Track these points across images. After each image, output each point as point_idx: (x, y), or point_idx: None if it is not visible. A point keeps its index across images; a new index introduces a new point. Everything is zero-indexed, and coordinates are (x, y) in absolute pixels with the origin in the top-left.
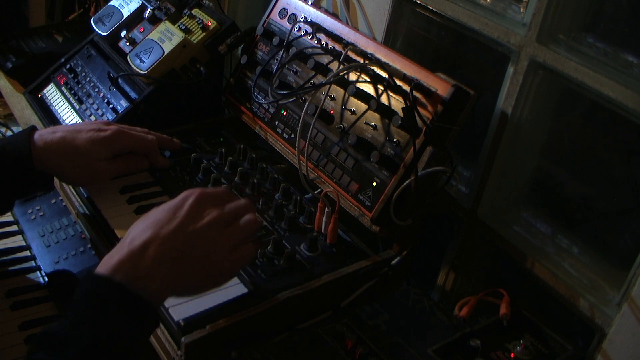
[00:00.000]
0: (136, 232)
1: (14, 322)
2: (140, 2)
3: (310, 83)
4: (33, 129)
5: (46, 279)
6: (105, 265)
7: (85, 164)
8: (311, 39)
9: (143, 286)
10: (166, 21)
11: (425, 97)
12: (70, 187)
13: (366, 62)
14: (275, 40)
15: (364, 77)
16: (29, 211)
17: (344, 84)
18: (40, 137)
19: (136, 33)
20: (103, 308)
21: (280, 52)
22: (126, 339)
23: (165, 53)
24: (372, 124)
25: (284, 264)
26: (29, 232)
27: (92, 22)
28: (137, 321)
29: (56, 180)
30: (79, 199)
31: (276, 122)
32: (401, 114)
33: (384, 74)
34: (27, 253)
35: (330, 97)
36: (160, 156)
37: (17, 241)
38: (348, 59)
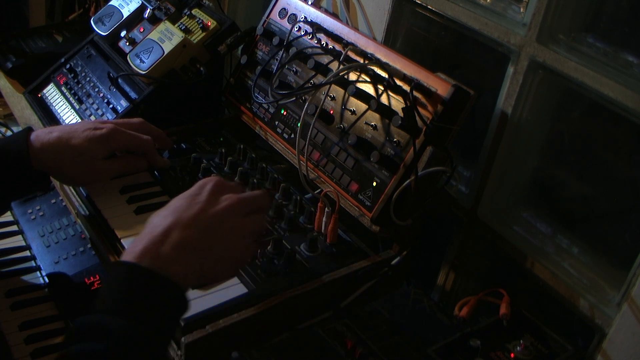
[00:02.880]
0: (157, 220)
1: (14, 322)
2: (140, 2)
3: (310, 83)
4: (29, 129)
5: (46, 279)
6: (130, 253)
7: (83, 163)
8: (311, 39)
9: (169, 270)
10: (166, 21)
11: (425, 97)
12: (71, 187)
13: (366, 62)
14: (275, 40)
15: (364, 77)
16: (29, 211)
17: (344, 84)
18: (37, 137)
19: (136, 33)
20: (136, 293)
21: (280, 52)
22: (162, 321)
23: (165, 53)
24: (372, 124)
25: (284, 264)
26: (29, 232)
27: (92, 22)
28: (169, 303)
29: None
30: (79, 199)
31: (276, 122)
32: (401, 114)
33: (384, 74)
34: (27, 253)
35: (330, 97)
36: (158, 156)
37: (17, 241)
38: (348, 59)
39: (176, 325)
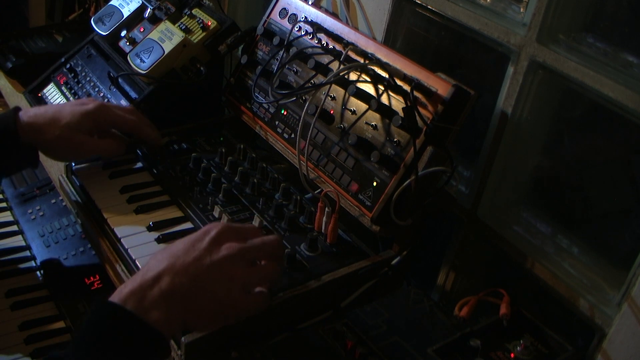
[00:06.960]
0: (153, 263)
1: (14, 322)
2: (141, 1)
3: (311, 83)
4: (18, 108)
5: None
6: (118, 294)
7: (68, 136)
8: (311, 38)
9: (151, 315)
10: (166, 21)
11: (426, 97)
12: (71, 187)
13: (366, 62)
14: (276, 40)
15: (364, 77)
16: (29, 211)
17: (344, 83)
18: (25, 112)
19: (136, 33)
20: (112, 334)
21: (281, 52)
22: None
23: (166, 53)
24: (373, 123)
25: (284, 264)
26: (29, 232)
27: (92, 22)
28: (145, 347)
29: (56, 179)
30: (79, 199)
31: (276, 122)
32: (401, 113)
33: (384, 74)
34: (27, 253)
35: (330, 97)
36: (150, 130)
37: (17, 241)
38: (348, 59)
39: None
